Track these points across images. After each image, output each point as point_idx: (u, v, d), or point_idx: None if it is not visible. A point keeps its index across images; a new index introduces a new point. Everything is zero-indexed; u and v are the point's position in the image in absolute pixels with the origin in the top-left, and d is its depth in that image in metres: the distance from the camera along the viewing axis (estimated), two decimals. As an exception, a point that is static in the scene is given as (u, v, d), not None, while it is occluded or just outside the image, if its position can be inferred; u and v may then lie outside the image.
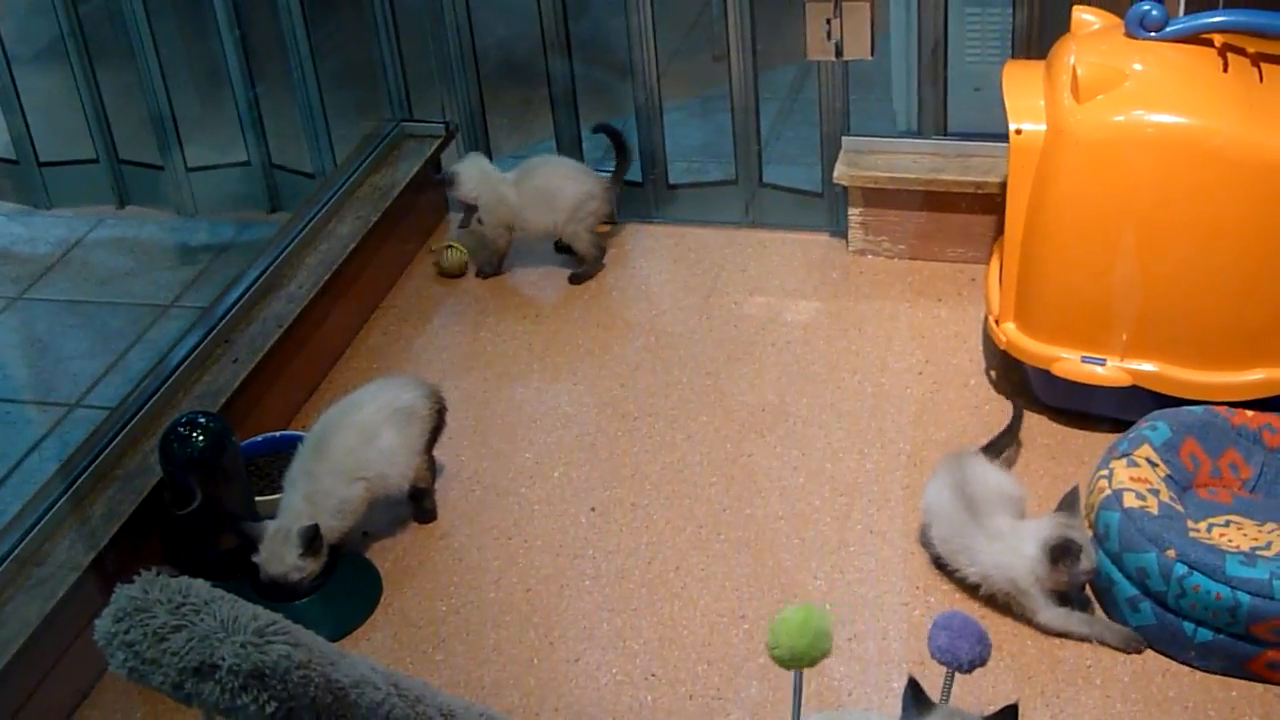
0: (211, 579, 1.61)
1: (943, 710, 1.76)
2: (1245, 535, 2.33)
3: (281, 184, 3.77)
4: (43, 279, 3.62)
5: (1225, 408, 2.53)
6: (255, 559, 2.42)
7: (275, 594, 2.39)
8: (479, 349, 3.14)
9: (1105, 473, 2.39)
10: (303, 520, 2.41)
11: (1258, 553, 2.25)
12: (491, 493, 2.73)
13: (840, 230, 3.40)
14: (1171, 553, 2.21)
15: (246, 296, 2.94)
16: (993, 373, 2.93)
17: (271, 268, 3.04)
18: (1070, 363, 2.67)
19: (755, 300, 3.25)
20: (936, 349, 3.02)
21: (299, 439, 2.58)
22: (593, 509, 2.67)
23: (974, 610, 2.35)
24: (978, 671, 1.87)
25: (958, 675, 1.88)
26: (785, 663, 1.86)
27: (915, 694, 1.78)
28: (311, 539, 2.40)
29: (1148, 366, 2.63)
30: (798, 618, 1.85)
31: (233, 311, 2.90)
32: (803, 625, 1.84)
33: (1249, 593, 2.14)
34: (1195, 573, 2.18)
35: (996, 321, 2.79)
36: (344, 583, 2.50)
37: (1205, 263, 2.53)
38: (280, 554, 2.41)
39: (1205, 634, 2.20)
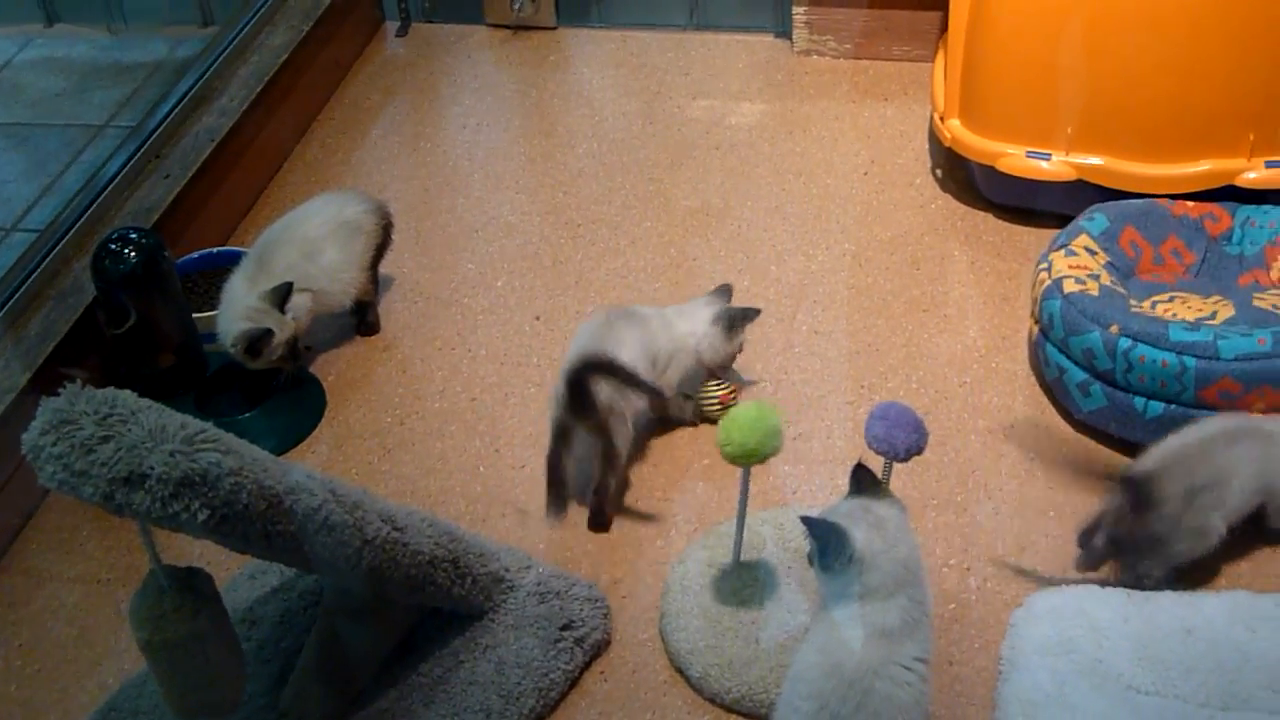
0: (153, 398, 1.59)
1: (890, 497, 1.78)
2: (1189, 308, 2.31)
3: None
4: (-28, 102, 3.54)
5: (1166, 199, 2.51)
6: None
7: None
8: (419, 159, 3.09)
9: (1044, 265, 2.38)
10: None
11: (1202, 322, 2.25)
12: (435, 303, 2.70)
13: (785, 31, 3.33)
14: (1115, 328, 2.20)
15: (176, 111, 2.87)
16: (938, 171, 2.90)
17: (201, 80, 2.96)
18: (1015, 158, 2.65)
19: (699, 104, 3.20)
20: (882, 149, 2.99)
21: (238, 255, 2.54)
22: (537, 317, 2.65)
23: (917, 407, 2.35)
24: (922, 466, 1.89)
25: (904, 470, 1.90)
26: (736, 459, 1.88)
27: (867, 476, 1.78)
28: (284, 297, 2.40)
29: (1093, 160, 2.60)
30: (749, 415, 1.87)
31: (163, 126, 2.83)
32: (754, 422, 1.86)
33: (1195, 355, 2.14)
34: (1140, 344, 2.17)
35: (942, 119, 2.76)
36: (288, 397, 2.48)
37: (1152, 51, 2.49)
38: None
39: (1156, 407, 2.19)
